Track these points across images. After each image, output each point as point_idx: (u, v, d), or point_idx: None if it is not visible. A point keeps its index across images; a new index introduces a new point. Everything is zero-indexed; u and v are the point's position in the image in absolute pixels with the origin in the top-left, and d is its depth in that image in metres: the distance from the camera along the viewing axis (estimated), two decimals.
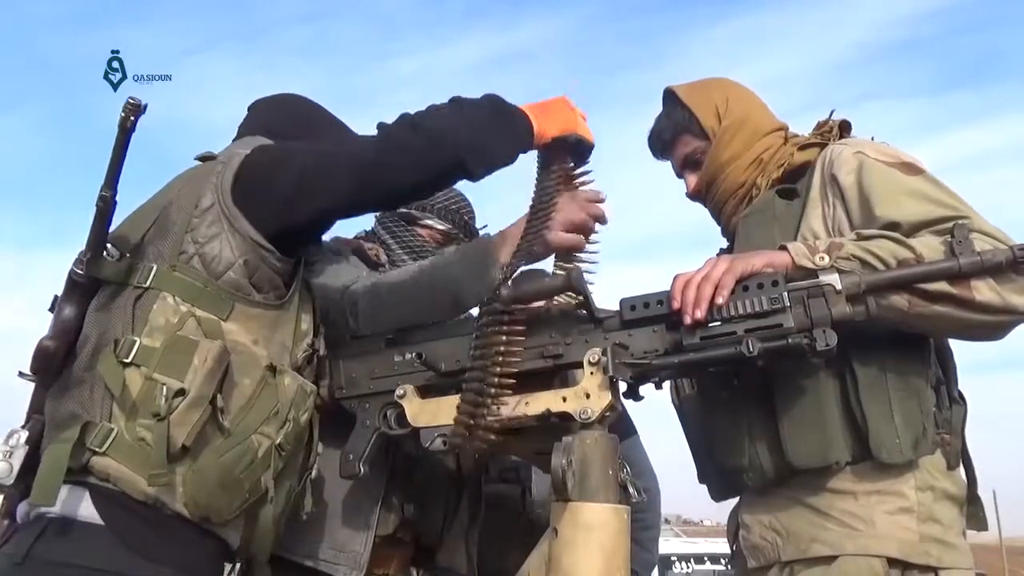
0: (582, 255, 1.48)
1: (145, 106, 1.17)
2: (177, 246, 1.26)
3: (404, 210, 1.89)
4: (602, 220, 1.47)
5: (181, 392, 1.14)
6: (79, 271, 1.23)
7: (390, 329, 1.52)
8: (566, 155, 1.45)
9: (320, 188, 1.30)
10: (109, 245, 1.25)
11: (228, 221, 1.28)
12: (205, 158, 1.44)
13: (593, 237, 1.48)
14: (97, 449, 1.13)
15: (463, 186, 1.92)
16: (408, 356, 1.44)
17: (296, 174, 1.30)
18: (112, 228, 1.27)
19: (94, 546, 1.12)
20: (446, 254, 1.65)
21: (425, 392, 1.41)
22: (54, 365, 1.22)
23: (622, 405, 1.31)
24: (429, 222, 1.87)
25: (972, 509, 1.37)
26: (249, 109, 1.66)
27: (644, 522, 2.12)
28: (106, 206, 1.21)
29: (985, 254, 1.17)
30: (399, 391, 1.41)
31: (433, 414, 1.37)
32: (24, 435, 1.17)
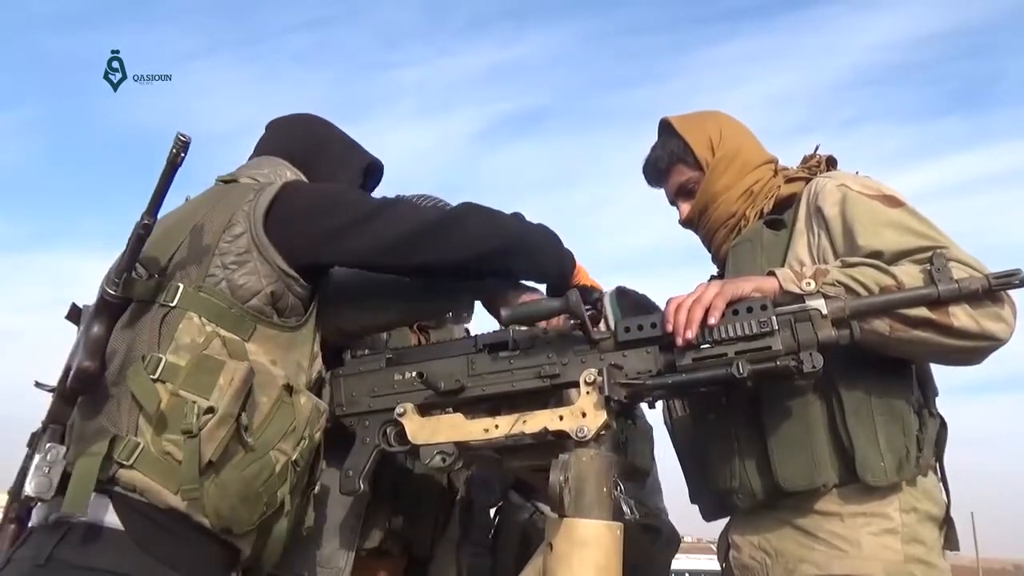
0: None
1: (191, 139, 1.23)
2: (205, 268, 1.30)
3: None
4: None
5: (211, 410, 1.19)
6: (112, 291, 1.25)
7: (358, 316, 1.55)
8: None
9: (363, 241, 1.36)
10: (138, 265, 1.28)
11: (259, 250, 1.32)
12: (227, 180, 1.48)
13: None
14: (124, 462, 1.17)
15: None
16: (408, 375, 1.47)
17: (341, 222, 1.36)
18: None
19: (115, 551, 1.15)
20: None
21: (424, 411, 1.44)
22: (94, 384, 1.24)
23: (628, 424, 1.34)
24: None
25: (947, 530, 1.41)
26: (267, 128, 1.70)
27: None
28: (147, 233, 1.24)
29: (962, 281, 1.22)
30: (399, 409, 1.44)
31: (432, 432, 1.40)
32: (62, 450, 1.19)
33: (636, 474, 1.44)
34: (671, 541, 2.06)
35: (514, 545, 1.90)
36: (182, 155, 1.23)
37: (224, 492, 1.19)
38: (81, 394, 1.24)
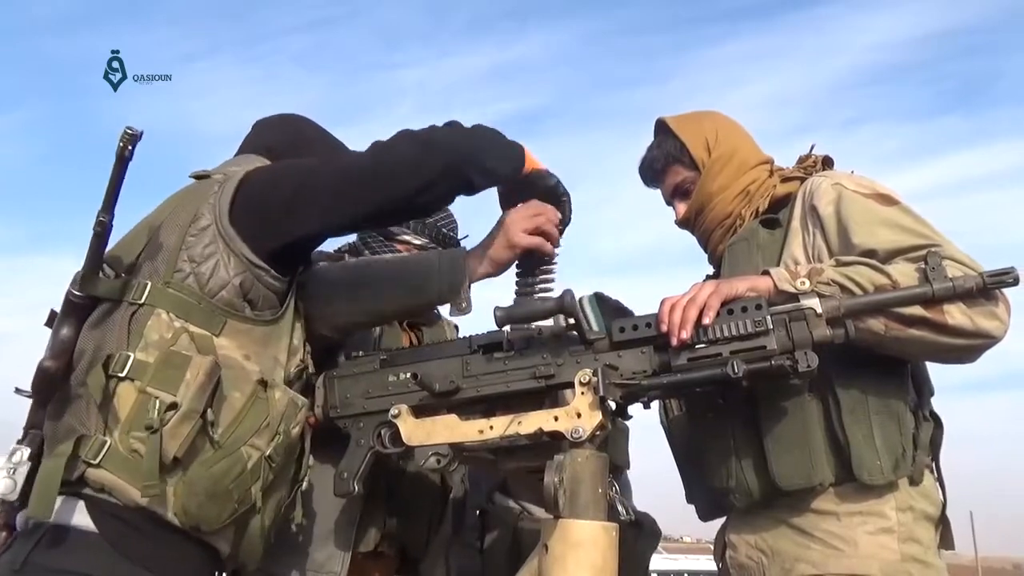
0: (542, 268, 1.52)
1: (141, 133, 1.20)
2: (172, 264, 1.29)
3: None
4: (562, 221, 1.52)
5: (173, 406, 1.17)
6: (77, 292, 1.25)
7: (336, 313, 1.52)
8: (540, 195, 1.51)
9: (312, 205, 1.32)
10: (105, 265, 1.28)
11: (224, 242, 1.31)
12: (199, 176, 1.46)
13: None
14: (91, 461, 1.16)
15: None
16: (402, 376, 1.46)
17: (289, 192, 1.33)
18: (108, 248, 1.29)
19: (89, 554, 1.15)
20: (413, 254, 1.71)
21: (419, 412, 1.43)
22: (55, 384, 1.23)
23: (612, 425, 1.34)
24: (406, 237, 1.86)
25: (943, 529, 1.41)
26: (252, 127, 1.68)
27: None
28: (103, 230, 1.23)
29: (956, 280, 1.22)
30: (393, 410, 1.43)
31: (427, 433, 1.39)
32: (27, 451, 1.20)
33: (615, 470, 1.44)
34: (653, 535, 2.07)
35: (506, 546, 1.89)
36: (130, 148, 1.20)
37: (191, 489, 1.18)
38: (44, 394, 1.24)
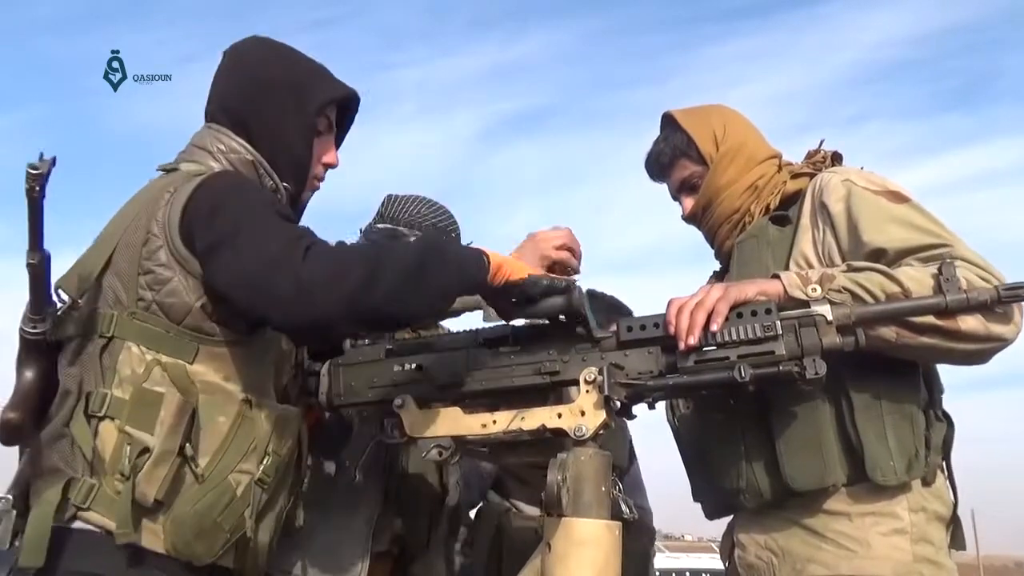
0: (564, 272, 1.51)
1: (53, 160, 1.10)
2: (134, 291, 1.21)
3: (390, 226, 1.88)
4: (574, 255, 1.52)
5: (146, 450, 1.14)
6: (31, 331, 1.20)
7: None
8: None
9: (220, 267, 1.19)
10: (59, 290, 1.23)
11: (179, 264, 1.22)
12: (169, 169, 1.36)
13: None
14: (81, 505, 1.14)
15: (447, 201, 1.95)
16: (408, 367, 1.45)
17: (210, 241, 1.20)
18: (78, 259, 1.26)
19: (101, 556, 1.14)
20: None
21: (423, 403, 1.42)
22: (23, 434, 1.21)
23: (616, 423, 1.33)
24: (413, 240, 1.82)
25: (954, 529, 1.40)
26: (223, 56, 1.45)
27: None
28: (36, 271, 1.17)
29: (971, 293, 1.19)
30: (397, 401, 1.41)
31: (430, 425, 1.38)
32: (10, 501, 1.19)
33: (616, 471, 1.44)
34: (648, 532, 2.07)
35: (488, 539, 1.89)
36: (37, 188, 1.10)
37: (178, 528, 1.15)
38: (14, 444, 1.22)
